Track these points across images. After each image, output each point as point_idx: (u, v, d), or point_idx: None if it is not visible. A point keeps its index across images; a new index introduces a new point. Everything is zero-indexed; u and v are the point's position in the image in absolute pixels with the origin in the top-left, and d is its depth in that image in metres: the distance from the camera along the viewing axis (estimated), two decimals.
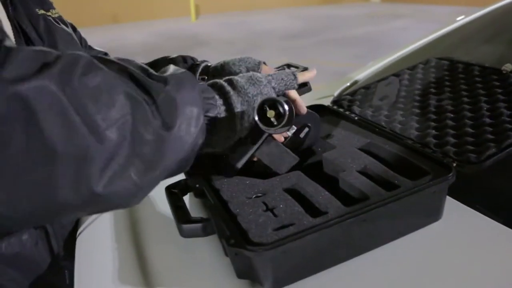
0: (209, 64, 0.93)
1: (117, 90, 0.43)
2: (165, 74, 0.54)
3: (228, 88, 0.66)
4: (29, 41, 0.74)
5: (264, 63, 0.89)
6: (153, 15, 12.63)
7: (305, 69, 0.86)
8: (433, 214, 0.71)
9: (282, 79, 0.73)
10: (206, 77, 0.91)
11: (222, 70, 0.89)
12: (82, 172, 0.39)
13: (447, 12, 15.23)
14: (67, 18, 0.89)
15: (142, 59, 0.89)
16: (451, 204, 0.74)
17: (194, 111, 0.53)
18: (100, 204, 0.43)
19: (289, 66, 0.91)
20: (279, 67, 0.92)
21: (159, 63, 0.92)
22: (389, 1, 21.11)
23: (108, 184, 0.41)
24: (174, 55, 0.95)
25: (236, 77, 0.68)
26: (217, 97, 0.65)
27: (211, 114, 0.63)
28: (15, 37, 0.71)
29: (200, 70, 0.91)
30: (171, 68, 0.59)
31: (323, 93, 1.37)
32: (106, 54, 1.01)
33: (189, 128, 0.52)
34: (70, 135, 0.38)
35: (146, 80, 0.49)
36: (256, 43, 9.33)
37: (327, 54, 7.76)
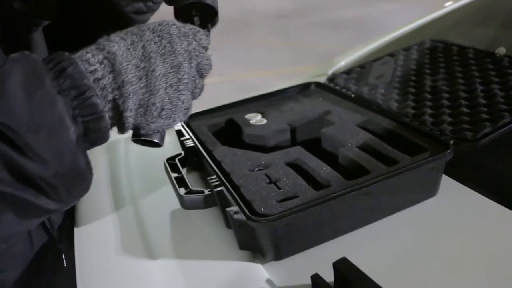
0: None
1: None
2: None
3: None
4: None
5: None
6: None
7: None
8: (430, 190, 0.73)
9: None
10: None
11: None
12: None
13: None
14: None
15: None
16: (446, 181, 0.76)
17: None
18: None
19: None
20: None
21: None
22: None
23: None
24: None
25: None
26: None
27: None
28: None
29: None
30: None
31: (317, 71, 1.37)
32: None
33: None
34: None
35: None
36: (244, 22, 9.23)
37: (316, 36, 7.71)
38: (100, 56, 0.45)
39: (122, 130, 0.50)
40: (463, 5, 1.68)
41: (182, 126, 0.89)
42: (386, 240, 0.66)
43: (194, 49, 0.52)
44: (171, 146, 0.98)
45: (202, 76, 0.55)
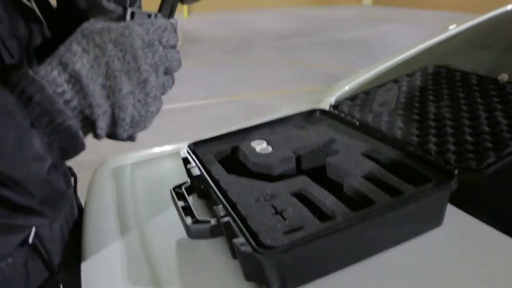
0: None
1: None
2: None
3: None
4: None
5: None
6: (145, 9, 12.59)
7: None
8: (435, 220, 0.73)
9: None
10: None
11: None
12: None
13: (436, 17, 15.41)
14: None
15: None
16: (451, 211, 0.76)
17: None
18: None
19: None
20: None
21: None
22: (380, 4, 21.27)
23: None
24: None
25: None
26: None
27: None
28: None
29: None
30: None
31: (320, 97, 1.38)
32: None
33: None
34: None
35: None
36: (249, 42, 9.35)
37: (319, 56, 7.81)
38: (66, 75, 0.44)
39: (96, 138, 0.51)
40: (466, 28, 1.70)
41: (188, 153, 0.90)
42: (392, 271, 0.66)
43: (160, 56, 0.50)
44: (177, 172, 0.99)
45: (171, 74, 0.54)
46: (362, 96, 1.17)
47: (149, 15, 0.59)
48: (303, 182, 0.77)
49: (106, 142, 0.55)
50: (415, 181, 0.73)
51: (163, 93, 0.53)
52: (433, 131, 0.93)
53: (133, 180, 1.01)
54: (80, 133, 0.46)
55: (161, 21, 0.52)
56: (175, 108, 4.43)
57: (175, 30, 0.52)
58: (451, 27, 1.76)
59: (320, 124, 1.00)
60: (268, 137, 0.95)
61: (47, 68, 0.45)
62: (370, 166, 0.80)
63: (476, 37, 1.67)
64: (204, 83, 5.70)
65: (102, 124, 0.48)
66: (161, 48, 0.50)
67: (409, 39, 10.15)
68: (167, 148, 1.19)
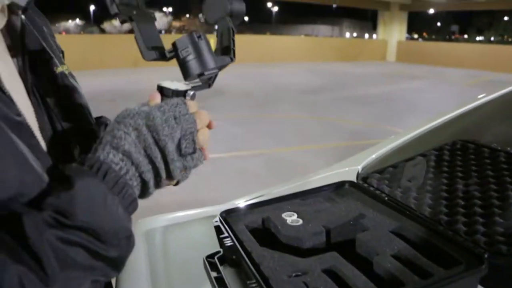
0: None
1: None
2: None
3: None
4: (49, 110, 0.68)
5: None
6: (172, 63, 13.03)
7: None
8: None
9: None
10: None
11: None
12: None
13: (459, 74, 15.54)
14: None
15: None
16: None
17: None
18: None
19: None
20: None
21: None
22: (404, 61, 21.60)
23: None
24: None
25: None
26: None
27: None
28: (34, 108, 0.65)
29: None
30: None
31: (347, 164, 1.41)
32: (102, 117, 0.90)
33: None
34: None
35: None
36: (273, 96, 9.53)
37: (343, 112, 7.89)
38: (120, 155, 0.56)
39: (145, 197, 0.62)
40: (494, 98, 1.73)
41: (221, 222, 0.93)
42: None
43: (173, 126, 0.60)
44: (209, 239, 1.02)
45: (191, 136, 0.62)
46: (391, 170, 1.20)
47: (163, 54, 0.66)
48: (334, 259, 0.79)
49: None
50: (444, 262, 0.74)
51: (196, 163, 0.64)
52: (461, 210, 0.95)
53: (165, 244, 1.04)
54: (137, 198, 0.58)
55: (174, 100, 0.63)
56: None
57: (185, 103, 0.63)
58: (480, 96, 1.79)
59: (349, 197, 1.03)
60: (298, 208, 0.98)
61: (104, 153, 0.56)
62: (399, 245, 0.81)
63: (504, 109, 1.69)
64: (227, 136, 5.79)
65: (151, 185, 0.60)
66: (174, 121, 0.61)
67: (433, 95, 10.26)
68: (197, 211, 1.23)
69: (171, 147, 0.60)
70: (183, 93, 0.67)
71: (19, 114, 0.58)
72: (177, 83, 0.67)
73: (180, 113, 0.62)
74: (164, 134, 0.59)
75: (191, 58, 0.65)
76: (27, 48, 0.67)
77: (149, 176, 0.59)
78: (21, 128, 0.57)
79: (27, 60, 0.66)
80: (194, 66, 0.65)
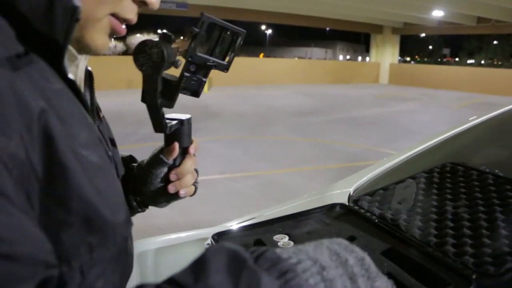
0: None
1: None
2: None
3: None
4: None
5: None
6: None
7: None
8: None
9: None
10: None
11: None
12: None
13: (449, 96, 15.74)
14: None
15: None
16: None
17: None
18: None
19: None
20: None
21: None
22: (397, 83, 21.87)
23: None
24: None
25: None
26: None
27: None
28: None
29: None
30: None
31: (339, 186, 1.43)
32: (131, 156, 0.86)
33: None
34: None
35: None
36: (266, 118, 9.58)
37: (336, 134, 7.94)
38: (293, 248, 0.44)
39: None
40: (484, 121, 1.76)
41: (213, 244, 0.94)
42: None
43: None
44: None
45: None
46: (382, 192, 1.21)
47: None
48: None
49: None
50: (433, 284, 0.75)
51: None
52: (450, 231, 0.96)
53: (157, 267, 1.04)
54: None
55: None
56: None
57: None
58: (471, 118, 1.82)
59: (340, 219, 1.04)
60: (290, 231, 0.99)
61: None
62: (389, 266, 0.82)
63: (493, 131, 1.72)
64: (221, 158, 5.81)
65: None
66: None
67: (425, 117, 10.37)
68: (189, 233, 1.23)
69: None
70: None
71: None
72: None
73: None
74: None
75: None
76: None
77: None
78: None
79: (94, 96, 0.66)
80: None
